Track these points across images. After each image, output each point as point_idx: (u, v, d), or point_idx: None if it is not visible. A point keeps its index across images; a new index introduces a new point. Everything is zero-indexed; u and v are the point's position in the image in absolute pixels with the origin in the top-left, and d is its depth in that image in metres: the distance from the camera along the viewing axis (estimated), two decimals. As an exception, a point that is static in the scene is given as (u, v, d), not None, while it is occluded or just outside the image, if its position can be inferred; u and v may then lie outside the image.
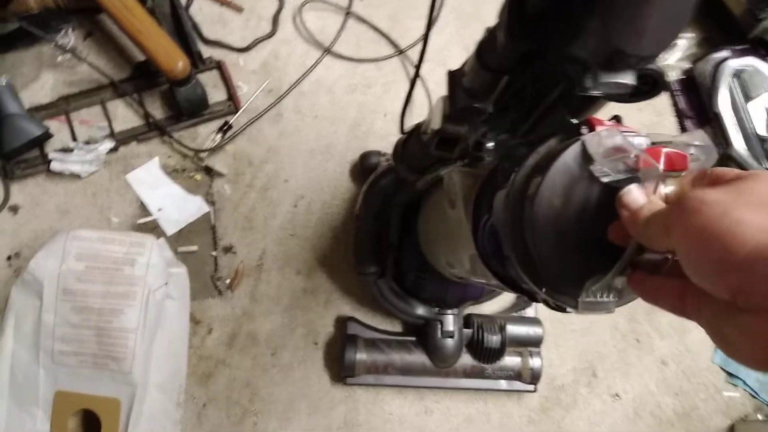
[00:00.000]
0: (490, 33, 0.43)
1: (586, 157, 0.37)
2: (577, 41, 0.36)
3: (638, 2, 0.32)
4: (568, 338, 0.97)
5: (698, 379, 0.99)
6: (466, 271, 0.59)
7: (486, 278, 0.52)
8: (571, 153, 0.37)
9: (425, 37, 0.49)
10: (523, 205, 0.38)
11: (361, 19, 1.06)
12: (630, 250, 0.35)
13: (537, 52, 0.41)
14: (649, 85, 0.40)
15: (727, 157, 1.08)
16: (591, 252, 0.37)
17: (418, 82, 1.04)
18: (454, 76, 0.50)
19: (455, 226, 0.56)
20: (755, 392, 0.99)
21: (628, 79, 0.36)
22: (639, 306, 0.99)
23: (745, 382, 0.99)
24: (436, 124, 0.53)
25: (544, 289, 0.39)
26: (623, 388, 0.96)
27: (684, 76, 1.16)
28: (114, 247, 0.76)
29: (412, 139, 0.68)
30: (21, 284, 0.74)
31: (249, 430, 0.86)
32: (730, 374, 0.99)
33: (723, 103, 1.08)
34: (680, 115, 1.14)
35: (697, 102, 1.13)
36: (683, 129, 1.13)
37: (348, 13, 1.06)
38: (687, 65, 1.16)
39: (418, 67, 0.52)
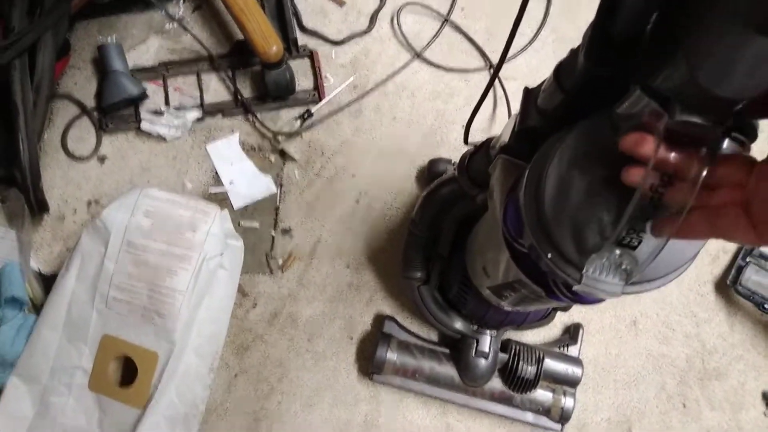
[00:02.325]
0: (572, 54, 0.43)
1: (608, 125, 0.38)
2: (661, 74, 0.34)
3: (731, 51, 0.29)
4: (610, 387, 0.92)
5: (747, 466, 0.91)
6: (496, 271, 0.59)
7: (508, 272, 0.53)
8: (592, 124, 0.40)
9: (506, 47, 0.49)
10: (541, 171, 0.40)
11: (458, 29, 1.05)
12: (638, 196, 0.35)
13: (612, 79, 0.39)
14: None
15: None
16: (599, 218, 0.38)
17: (501, 98, 1.02)
18: (529, 93, 0.50)
19: (494, 221, 0.55)
20: (812, 496, 0.90)
21: (706, 120, 0.33)
22: (695, 369, 0.93)
23: (801, 482, 0.90)
24: (504, 140, 0.53)
25: (550, 255, 0.40)
26: (660, 455, 0.90)
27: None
28: (181, 210, 0.81)
29: (479, 153, 0.68)
30: (92, 230, 0.80)
31: (273, 407, 0.89)
32: (785, 469, 0.91)
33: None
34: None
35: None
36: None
37: (446, 20, 1.05)
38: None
39: (493, 76, 0.52)
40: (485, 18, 1.06)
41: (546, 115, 0.47)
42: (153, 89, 0.98)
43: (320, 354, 0.92)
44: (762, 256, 0.98)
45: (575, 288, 0.40)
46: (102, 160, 0.97)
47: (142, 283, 0.78)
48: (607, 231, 0.37)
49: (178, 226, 0.80)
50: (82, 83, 0.99)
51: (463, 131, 1.00)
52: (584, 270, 0.38)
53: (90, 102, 0.98)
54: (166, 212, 0.80)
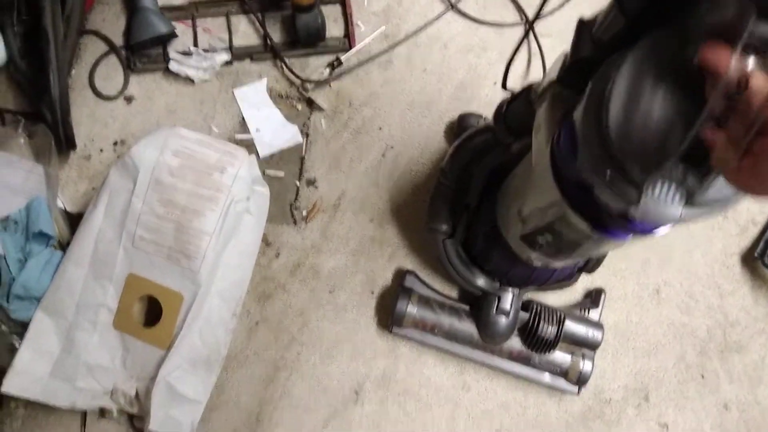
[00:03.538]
0: None
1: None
2: None
3: None
4: (629, 354, 0.92)
5: (762, 436, 0.91)
6: (535, 212, 0.58)
7: (551, 210, 0.53)
8: (657, 40, 0.39)
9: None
10: (604, 88, 0.39)
11: (496, -19, 1.02)
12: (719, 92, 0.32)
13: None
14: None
15: None
16: (666, 133, 0.36)
17: (536, 54, 1.00)
18: (584, 24, 0.48)
19: (538, 157, 0.54)
20: (824, 469, 0.90)
21: None
22: (715, 341, 0.93)
23: (815, 455, 0.90)
24: (552, 76, 0.51)
25: (609, 171, 0.39)
26: (674, 419, 0.90)
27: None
28: (209, 151, 0.80)
29: (519, 99, 0.66)
30: (120, 166, 0.80)
31: (292, 357, 0.90)
32: (800, 441, 0.91)
33: None
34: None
35: None
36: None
37: (483, -28, 1.02)
38: None
39: (532, 22, 0.50)
40: (524, -28, 1.03)
41: (601, 44, 0.45)
42: (182, 29, 0.96)
43: (341, 306, 0.92)
44: (793, 230, 0.96)
45: (632, 211, 0.38)
46: (129, 100, 0.96)
47: (169, 222, 0.78)
48: (673, 148, 0.35)
49: (206, 167, 0.79)
50: (110, 19, 0.97)
51: (494, 88, 0.98)
52: (645, 189, 0.37)
53: (118, 40, 0.96)
54: (194, 152, 0.79)
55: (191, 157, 0.79)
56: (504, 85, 0.66)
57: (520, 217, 0.64)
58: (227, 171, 0.80)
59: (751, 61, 0.32)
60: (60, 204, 0.88)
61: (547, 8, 1.01)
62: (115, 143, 0.94)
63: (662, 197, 0.37)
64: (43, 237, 0.80)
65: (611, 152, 0.38)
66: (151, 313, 0.82)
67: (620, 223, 0.46)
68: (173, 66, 0.93)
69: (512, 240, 0.71)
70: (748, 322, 0.95)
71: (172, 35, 0.94)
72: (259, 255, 0.90)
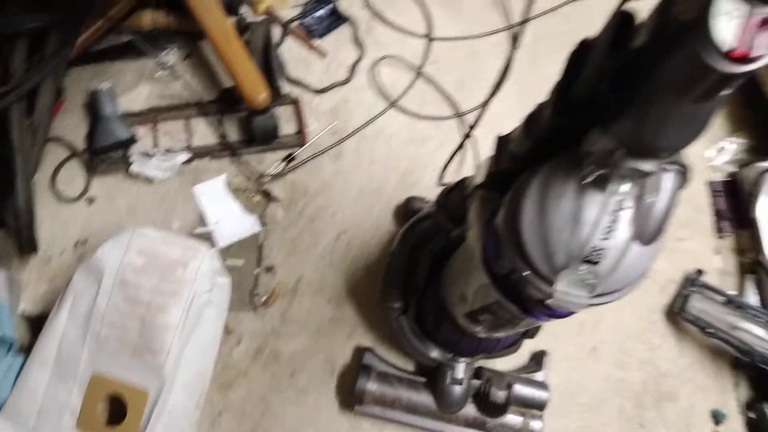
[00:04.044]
0: (539, 108, 0.51)
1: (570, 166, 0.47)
2: (613, 129, 0.42)
3: (665, 114, 0.38)
4: (574, 411, 0.99)
5: (700, 481, 0.98)
6: (473, 296, 0.66)
7: (485, 296, 0.61)
8: (559, 162, 0.48)
9: (485, 104, 0.57)
10: (517, 202, 0.48)
11: (430, 80, 1.15)
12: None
13: (575, 130, 0.48)
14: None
15: (757, 263, 1.10)
16: (567, 240, 0.45)
17: (470, 144, 1.11)
18: (502, 140, 0.58)
19: (471, 249, 0.62)
20: (758, 507, 0.98)
21: (649, 166, 0.42)
22: (650, 392, 1.01)
23: (748, 495, 0.98)
24: (479, 180, 0.60)
25: (526, 273, 0.48)
26: (622, 474, 0.97)
27: (728, 179, 1.19)
28: (172, 248, 0.85)
29: (456, 190, 0.75)
30: (85, 268, 0.83)
31: (257, 442, 0.91)
32: (734, 483, 0.99)
33: (761, 211, 1.11)
34: (718, 215, 1.16)
35: (736, 205, 1.16)
36: (720, 229, 1.16)
37: (419, 73, 1.14)
38: (733, 169, 1.19)
39: (469, 131, 0.59)
40: (455, 70, 1.16)
41: (517, 158, 0.55)
42: (143, 132, 1.02)
43: (302, 389, 0.95)
44: (704, 285, 1.08)
45: (548, 302, 0.47)
46: (90, 201, 1.00)
47: (134, 319, 0.80)
48: (576, 251, 0.44)
49: (170, 264, 0.83)
50: (73, 126, 1.02)
51: (436, 173, 1.08)
52: (555, 284, 0.45)
53: (80, 144, 1.01)
54: (158, 250, 0.84)
55: (155, 255, 0.83)
56: (440, 182, 0.75)
57: (462, 298, 0.72)
58: (190, 266, 0.84)
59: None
60: (21, 307, 0.89)
61: (477, 102, 1.14)
62: (77, 243, 0.97)
63: (571, 289, 0.46)
64: (4, 342, 0.81)
65: (525, 255, 0.47)
66: (115, 411, 0.82)
67: (542, 310, 0.54)
68: (134, 168, 0.99)
69: (457, 317, 0.79)
70: (676, 372, 1.05)
71: (133, 140, 1.00)
72: (220, 344, 0.93)
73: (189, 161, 1.02)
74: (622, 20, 0.42)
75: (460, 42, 1.17)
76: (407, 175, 1.08)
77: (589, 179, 0.46)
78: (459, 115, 1.13)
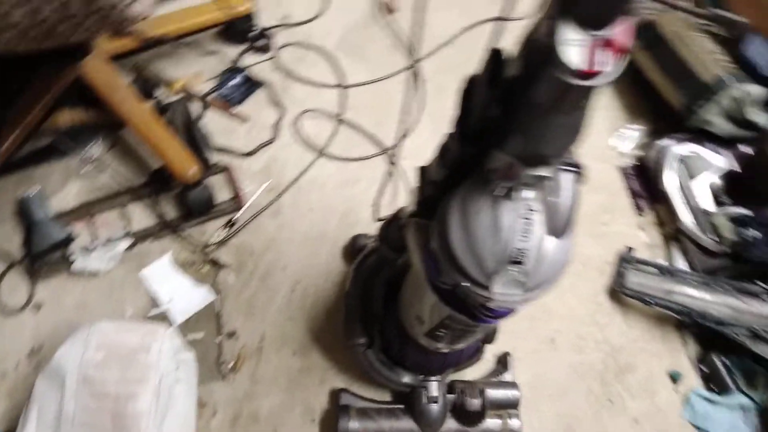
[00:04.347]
0: (447, 138, 0.57)
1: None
2: (507, 147, 0.48)
3: (545, 126, 0.45)
4: (546, 402, 1.05)
5: (672, 438, 1.05)
6: (428, 315, 0.71)
7: (438, 312, 0.65)
8: (473, 182, 0.54)
9: (394, 147, 0.63)
10: (443, 224, 0.54)
11: (351, 124, 1.21)
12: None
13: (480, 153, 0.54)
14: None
15: (677, 231, 1.21)
16: (492, 248, 0.51)
17: (401, 175, 1.18)
18: (422, 171, 0.64)
19: (417, 273, 0.67)
20: (727, 447, 1.05)
21: (545, 172, 0.49)
22: (610, 368, 1.08)
23: (715, 438, 1.06)
24: (410, 209, 0.66)
25: (465, 284, 0.53)
26: (602, 450, 1.02)
27: (637, 163, 1.31)
28: (130, 335, 0.85)
29: (393, 223, 0.81)
30: (46, 375, 0.82)
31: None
32: (698, 428, 1.06)
33: (669, 184, 1.22)
34: (634, 195, 1.27)
35: (647, 183, 1.27)
36: (638, 208, 1.27)
37: (339, 120, 1.21)
38: (637, 152, 1.31)
39: (391, 167, 0.65)
40: (372, 112, 1.23)
41: (437, 185, 0.61)
42: (79, 229, 1.03)
43: (286, 443, 0.96)
44: (636, 260, 1.17)
45: (489, 304, 0.53)
46: (38, 307, 0.99)
47: (104, 414, 0.80)
48: (500, 255, 0.50)
49: (131, 352, 0.84)
50: (7, 236, 1.01)
51: (372, 209, 1.14)
52: (492, 288, 0.51)
53: (18, 253, 1.00)
54: (116, 341, 0.84)
55: (114, 346, 0.84)
56: (376, 219, 0.81)
57: (419, 320, 0.77)
58: (151, 349, 0.85)
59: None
60: (-18, 429, 0.87)
61: (398, 137, 1.21)
62: (31, 353, 0.96)
63: (506, 290, 0.51)
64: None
65: (460, 268, 0.52)
66: None
67: (488, 313, 0.59)
68: (77, 265, 0.99)
69: (418, 337, 0.83)
70: (629, 344, 1.13)
71: (70, 239, 1.00)
72: (197, 418, 0.93)
73: (131, 247, 1.03)
74: (495, 57, 0.49)
75: (371, 85, 1.24)
76: (347, 216, 1.13)
77: (499, 192, 0.52)
78: (384, 151, 1.19)
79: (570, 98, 0.43)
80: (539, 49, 0.42)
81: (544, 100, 0.44)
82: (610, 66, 0.40)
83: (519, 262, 0.52)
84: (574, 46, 0.40)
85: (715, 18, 1.27)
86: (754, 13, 1.28)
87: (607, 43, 0.39)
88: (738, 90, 1.17)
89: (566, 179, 0.56)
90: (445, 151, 0.59)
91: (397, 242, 0.83)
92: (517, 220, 0.52)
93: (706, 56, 1.22)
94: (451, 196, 0.56)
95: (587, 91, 0.42)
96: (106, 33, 0.71)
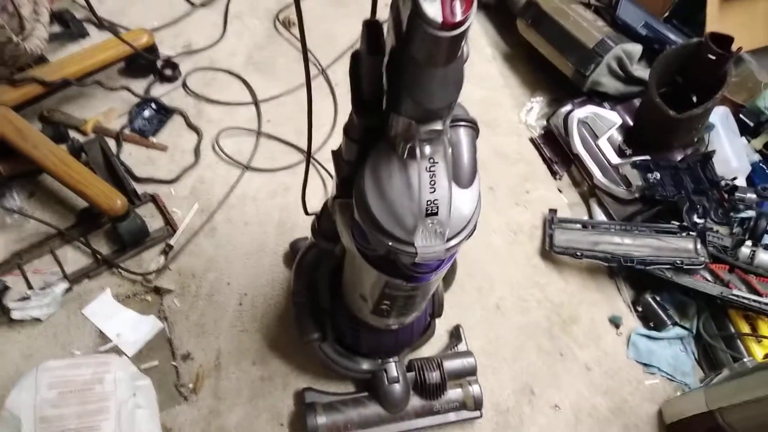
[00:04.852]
0: (350, 116, 0.62)
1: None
2: (401, 109, 0.53)
3: (428, 81, 0.50)
4: (502, 365, 1.10)
5: (621, 376, 1.13)
6: (369, 291, 0.75)
7: (378, 284, 0.70)
8: (378, 149, 0.58)
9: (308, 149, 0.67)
10: (361, 192, 0.58)
11: (271, 137, 1.25)
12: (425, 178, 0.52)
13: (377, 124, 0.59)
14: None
15: (593, 187, 1.31)
16: (407, 205, 0.56)
17: (327, 176, 1.22)
18: (336, 153, 0.68)
19: (351, 252, 0.71)
20: (670, 375, 1.14)
21: (438, 126, 0.54)
22: (555, 323, 1.15)
23: (659, 368, 1.14)
24: (333, 193, 0.70)
25: (390, 243, 0.57)
26: (560, 398, 1.09)
27: (543, 131, 1.41)
28: (81, 370, 0.85)
29: (323, 214, 0.85)
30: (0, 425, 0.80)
31: None
32: (645, 365, 1.15)
33: (578, 146, 1.32)
34: (548, 161, 1.37)
35: (558, 148, 1.37)
36: (554, 173, 1.36)
37: (259, 133, 1.24)
38: (544, 122, 1.41)
39: (308, 161, 0.69)
40: (290, 121, 1.27)
41: (351, 163, 0.65)
42: (12, 280, 1.01)
43: (259, 452, 0.97)
44: (561, 220, 1.26)
45: (416, 260, 0.57)
46: (-21, 363, 0.96)
47: (67, 452, 0.79)
48: (416, 210, 0.55)
49: (84, 385, 0.83)
50: (-66, 300, 0.98)
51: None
52: (415, 242, 0.55)
53: (-52, 315, 0.97)
54: (68, 377, 0.83)
55: (67, 383, 0.83)
56: (305, 211, 0.84)
57: (363, 298, 0.81)
58: (105, 379, 0.85)
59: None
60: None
61: (319, 140, 1.26)
62: (-22, 412, 0.93)
63: (428, 242, 0.56)
64: None
65: (383, 229, 0.57)
66: None
67: (418, 270, 0.64)
68: (16, 314, 0.97)
69: (368, 318, 0.87)
70: (568, 298, 1.20)
71: (4, 290, 0.98)
72: (164, 444, 0.93)
73: (69, 289, 1.02)
74: (371, 28, 0.54)
75: (285, 97, 1.28)
76: (283, 224, 1.16)
77: (403, 153, 0.57)
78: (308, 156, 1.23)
79: (441, 49, 0.48)
80: (410, 12, 0.48)
81: (421, 56, 0.49)
82: (461, 15, 0.45)
83: (434, 213, 0.57)
84: (432, 2, 0.45)
85: (586, -12, 1.39)
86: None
87: (456, -5, 0.45)
88: (619, 50, 1.29)
89: (463, 134, 0.62)
90: (349, 128, 0.64)
91: (331, 231, 0.86)
92: (423, 173, 0.57)
93: (586, 25, 1.33)
94: (362, 168, 0.60)
95: (454, 41, 0.48)
96: (4, 70, 0.71)
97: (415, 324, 0.97)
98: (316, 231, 0.89)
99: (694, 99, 1.21)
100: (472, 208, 0.61)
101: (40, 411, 0.80)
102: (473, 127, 0.63)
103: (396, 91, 0.54)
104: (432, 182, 0.57)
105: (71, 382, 0.83)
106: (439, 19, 0.45)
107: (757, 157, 1.39)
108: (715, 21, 1.33)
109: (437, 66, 0.50)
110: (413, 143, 0.56)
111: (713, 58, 1.13)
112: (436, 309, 1.00)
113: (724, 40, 1.14)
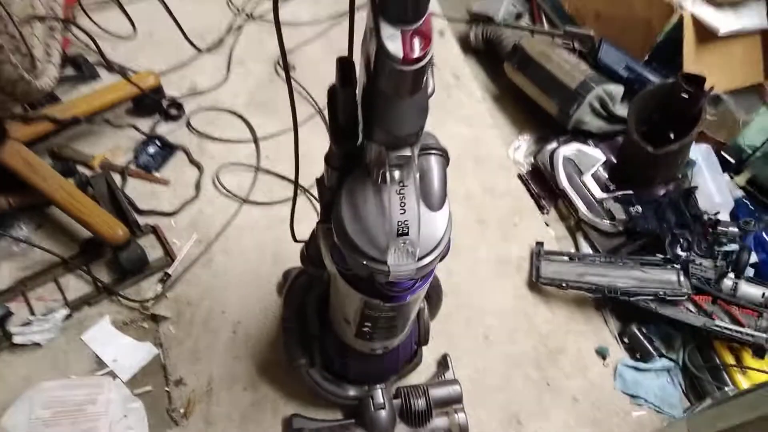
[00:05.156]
0: (330, 145, 0.67)
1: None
2: (374, 137, 0.58)
3: (395, 111, 0.56)
4: (489, 395, 1.12)
5: (608, 407, 1.14)
6: (351, 313, 0.78)
7: (357, 305, 0.73)
8: (354, 176, 0.63)
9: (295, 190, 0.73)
10: (339, 216, 0.63)
11: (269, 172, 1.31)
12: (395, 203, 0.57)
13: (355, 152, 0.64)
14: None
15: (579, 221, 1.35)
16: (380, 227, 0.60)
17: (316, 204, 1.27)
18: (319, 181, 0.73)
19: (334, 275, 0.75)
20: (657, 406, 1.14)
21: (407, 152, 0.59)
22: (542, 354, 1.17)
23: (646, 400, 1.15)
24: (318, 218, 0.75)
25: (364, 262, 0.61)
26: (546, 429, 1.10)
27: (531, 168, 1.46)
28: (75, 391, 0.88)
29: (311, 241, 0.89)
30: (-6, 443, 0.83)
31: None
32: (632, 396, 1.16)
33: (564, 181, 1.37)
34: (535, 196, 1.41)
35: (545, 184, 1.42)
36: (541, 207, 1.40)
37: (257, 169, 1.30)
38: (531, 159, 1.47)
39: (295, 190, 0.75)
40: (288, 157, 1.32)
41: (333, 189, 0.70)
42: (16, 306, 1.05)
43: (248, 479, 0.98)
44: (547, 252, 1.29)
45: (390, 278, 0.61)
46: (-20, 388, 0.99)
47: (58, 471, 0.82)
48: (388, 230, 0.59)
49: (77, 405, 0.87)
50: (-59, 324, 1.02)
51: (300, 245, 1.22)
52: (388, 261, 0.60)
53: (-47, 338, 1.01)
54: (62, 397, 0.87)
55: (61, 403, 0.86)
56: (294, 239, 0.89)
57: (347, 322, 0.84)
58: (98, 400, 0.88)
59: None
60: None
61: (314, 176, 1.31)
62: (-24, 433, 0.96)
63: (400, 261, 0.60)
64: None
65: (358, 249, 0.61)
66: None
67: (394, 289, 0.68)
68: (17, 339, 1.01)
69: (352, 342, 0.90)
70: (555, 329, 1.23)
71: (7, 315, 1.02)
72: (154, 470, 0.95)
73: (69, 316, 1.06)
74: (343, 64, 0.61)
75: (283, 135, 1.35)
76: (277, 255, 1.20)
77: (377, 178, 0.62)
78: (304, 191, 1.29)
79: (405, 82, 0.54)
80: (375, 48, 0.54)
81: (388, 89, 0.55)
82: (419, 52, 0.51)
83: (404, 234, 0.61)
84: (394, 40, 0.51)
85: (568, 34, 1.47)
86: (599, 25, 1.49)
87: (415, 33, 0.51)
88: (600, 90, 1.36)
89: (434, 161, 0.67)
90: (329, 156, 0.69)
91: (318, 258, 0.91)
92: (394, 196, 0.61)
93: (569, 67, 1.40)
94: (339, 193, 0.65)
95: (416, 74, 0.54)
96: (17, 106, 0.78)
97: (401, 351, 1.00)
98: (304, 257, 0.93)
99: (672, 136, 1.26)
100: (443, 230, 0.65)
101: (34, 429, 0.83)
102: (443, 155, 0.68)
103: (369, 120, 0.59)
104: (402, 204, 0.62)
105: (65, 402, 0.87)
106: (400, 54, 0.51)
107: (740, 193, 1.43)
108: (691, 63, 1.39)
109: (403, 97, 0.56)
110: (384, 169, 0.61)
111: (686, 97, 1.19)
112: (422, 337, 1.03)
113: (696, 80, 1.20)
